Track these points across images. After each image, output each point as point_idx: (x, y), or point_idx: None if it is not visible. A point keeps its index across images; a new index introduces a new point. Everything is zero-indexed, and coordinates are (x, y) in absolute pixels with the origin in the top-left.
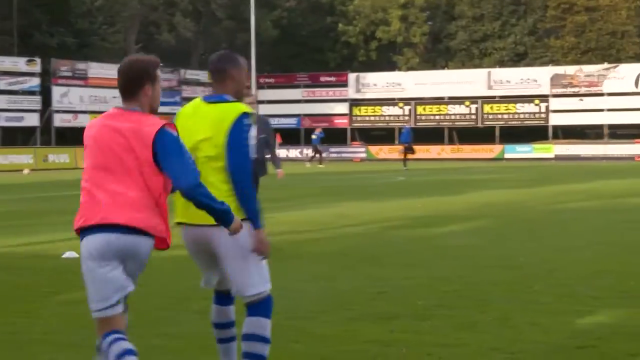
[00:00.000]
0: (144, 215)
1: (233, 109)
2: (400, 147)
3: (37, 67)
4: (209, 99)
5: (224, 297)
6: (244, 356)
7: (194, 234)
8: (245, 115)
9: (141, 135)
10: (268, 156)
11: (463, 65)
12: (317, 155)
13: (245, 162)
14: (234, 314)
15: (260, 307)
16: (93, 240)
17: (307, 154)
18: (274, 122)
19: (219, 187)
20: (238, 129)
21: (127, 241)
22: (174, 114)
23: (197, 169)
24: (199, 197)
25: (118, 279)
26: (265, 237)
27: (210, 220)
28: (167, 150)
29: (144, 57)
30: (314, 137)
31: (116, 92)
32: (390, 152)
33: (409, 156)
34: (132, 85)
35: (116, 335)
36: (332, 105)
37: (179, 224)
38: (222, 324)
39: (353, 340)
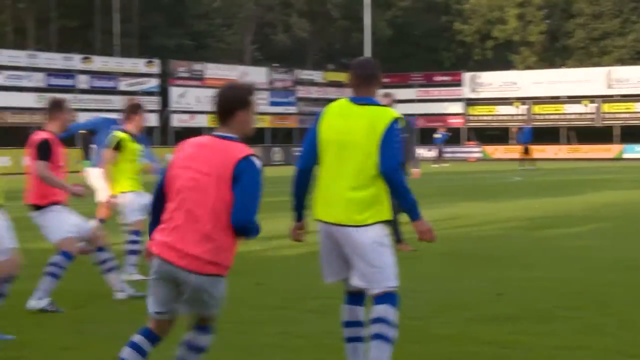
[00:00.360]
0: None
1: (386, 114)
2: (521, 148)
3: (155, 68)
4: (358, 101)
5: (355, 298)
6: (373, 337)
7: (330, 232)
8: (397, 120)
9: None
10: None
11: (581, 63)
12: (440, 156)
13: (397, 162)
14: (364, 315)
15: (389, 297)
16: None
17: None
18: None
19: (356, 180)
20: (391, 133)
21: None
22: (289, 114)
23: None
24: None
25: None
26: (426, 225)
27: (348, 221)
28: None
29: (239, 85)
30: (438, 136)
31: None
32: (505, 152)
33: (525, 156)
34: (224, 112)
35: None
36: (446, 105)
37: (318, 220)
38: (351, 323)
39: (472, 342)
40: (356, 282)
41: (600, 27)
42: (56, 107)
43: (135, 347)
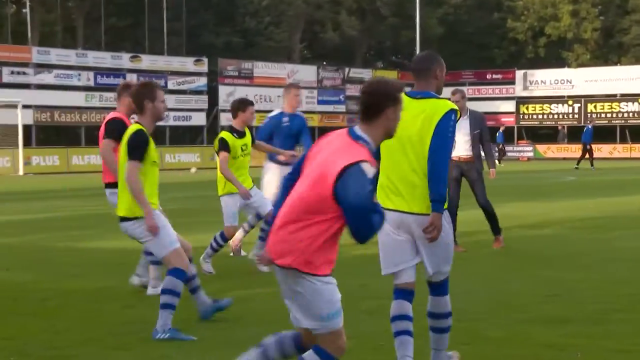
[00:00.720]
0: None
1: (444, 105)
2: (581, 147)
3: (204, 67)
4: (415, 95)
5: (406, 293)
6: (434, 331)
7: (401, 219)
8: (453, 111)
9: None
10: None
11: (637, 61)
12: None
13: (445, 147)
14: (412, 311)
15: (444, 286)
16: None
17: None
18: None
19: (417, 171)
20: (446, 120)
21: None
22: (338, 113)
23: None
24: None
25: None
26: (440, 221)
27: (420, 210)
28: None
29: (390, 80)
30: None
31: (280, 91)
32: (558, 151)
33: (587, 156)
34: (371, 108)
35: None
36: (497, 103)
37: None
38: (401, 317)
39: (525, 344)
40: (429, 269)
41: None
42: (123, 89)
43: (281, 341)
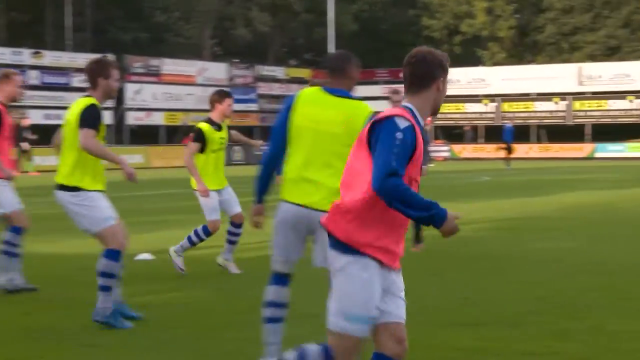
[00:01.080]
0: None
1: (364, 108)
2: (502, 146)
3: None
4: (334, 92)
5: (284, 278)
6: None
7: (302, 214)
8: (372, 115)
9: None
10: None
11: (551, 59)
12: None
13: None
14: (288, 296)
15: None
16: None
17: None
18: None
19: (333, 171)
20: (387, 125)
21: None
22: (249, 112)
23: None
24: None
25: None
26: None
27: (326, 207)
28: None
29: (436, 50)
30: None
31: (191, 89)
32: (474, 151)
33: (508, 155)
34: (420, 79)
35: None
36: None
37: (287, 202)
38: (278, 304)
39: (438, 348)
40: (321, 263)
41: (570, 22)
42: (2, 78)
43: None
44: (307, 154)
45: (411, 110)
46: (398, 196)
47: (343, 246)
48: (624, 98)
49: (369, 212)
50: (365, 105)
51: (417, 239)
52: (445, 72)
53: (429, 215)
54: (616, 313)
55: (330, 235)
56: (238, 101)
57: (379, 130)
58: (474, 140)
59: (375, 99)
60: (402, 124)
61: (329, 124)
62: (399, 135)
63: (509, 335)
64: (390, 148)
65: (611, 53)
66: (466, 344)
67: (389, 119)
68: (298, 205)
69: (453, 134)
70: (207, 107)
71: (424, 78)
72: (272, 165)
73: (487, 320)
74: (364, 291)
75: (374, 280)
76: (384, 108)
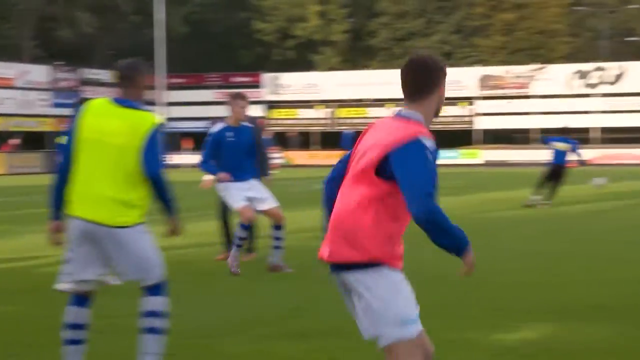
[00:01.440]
0: None
1: (148, 118)
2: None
3: None
4: (119, 102)
5: (83, 299)
6: (146, 331)
7: (90, 229)
8: (158, 125)
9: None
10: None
11: (385, 65)
12: None
13: (161, 167)
14: (89, 318)
15: (160, 288)
16: None
17: None
18: (184, 125)
19: (119, 184)
20: (153, 138)
21: None
22: (73, 117)
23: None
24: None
25: None
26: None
27: (113, 222)
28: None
29: (433, 55)
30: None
31: (10, 93)
32: (309, 158)
33: None
34: (422, 84)
35: None
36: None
37: (75, 217)
38: (79, 325)
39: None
40: (127, 277)
41: (404, 27)
42: None
43: None
44: (93, 167)
45: (421, 122)
46: (439, 221)
47: (364, 266)
48: (455, 104)
49: (378, 229)
50: (151, 116)
51: (250, 249)
52: (445, 75)
53: (458, 246)
54: (444, 320)
55: (344, 264)
56: (63, 105)
57: (404, 152)
58: (303, 146)
59: (206, 104)
60: (429, 143)
61: (113, 135)
62: (429, 155)
63: (338, 346)
64: (424, 169)
65: (444, 59)
66: (295, 356)
67: (416, 140)
68: (85, 220)
69: (286, 140)
70: (27, 111)
71: (428, 85)
72: (67, 178)
73: (317, 330)
74: (405, 290)
75: (404, 279)
76: (217, 113)
